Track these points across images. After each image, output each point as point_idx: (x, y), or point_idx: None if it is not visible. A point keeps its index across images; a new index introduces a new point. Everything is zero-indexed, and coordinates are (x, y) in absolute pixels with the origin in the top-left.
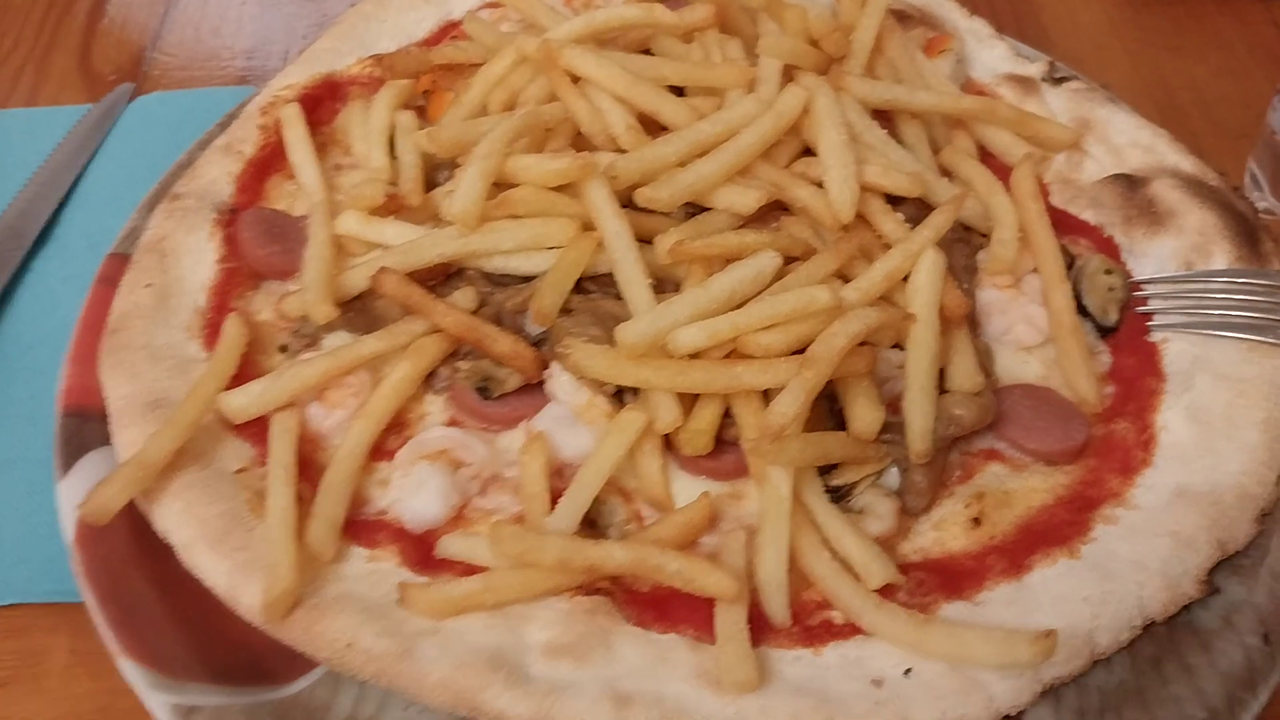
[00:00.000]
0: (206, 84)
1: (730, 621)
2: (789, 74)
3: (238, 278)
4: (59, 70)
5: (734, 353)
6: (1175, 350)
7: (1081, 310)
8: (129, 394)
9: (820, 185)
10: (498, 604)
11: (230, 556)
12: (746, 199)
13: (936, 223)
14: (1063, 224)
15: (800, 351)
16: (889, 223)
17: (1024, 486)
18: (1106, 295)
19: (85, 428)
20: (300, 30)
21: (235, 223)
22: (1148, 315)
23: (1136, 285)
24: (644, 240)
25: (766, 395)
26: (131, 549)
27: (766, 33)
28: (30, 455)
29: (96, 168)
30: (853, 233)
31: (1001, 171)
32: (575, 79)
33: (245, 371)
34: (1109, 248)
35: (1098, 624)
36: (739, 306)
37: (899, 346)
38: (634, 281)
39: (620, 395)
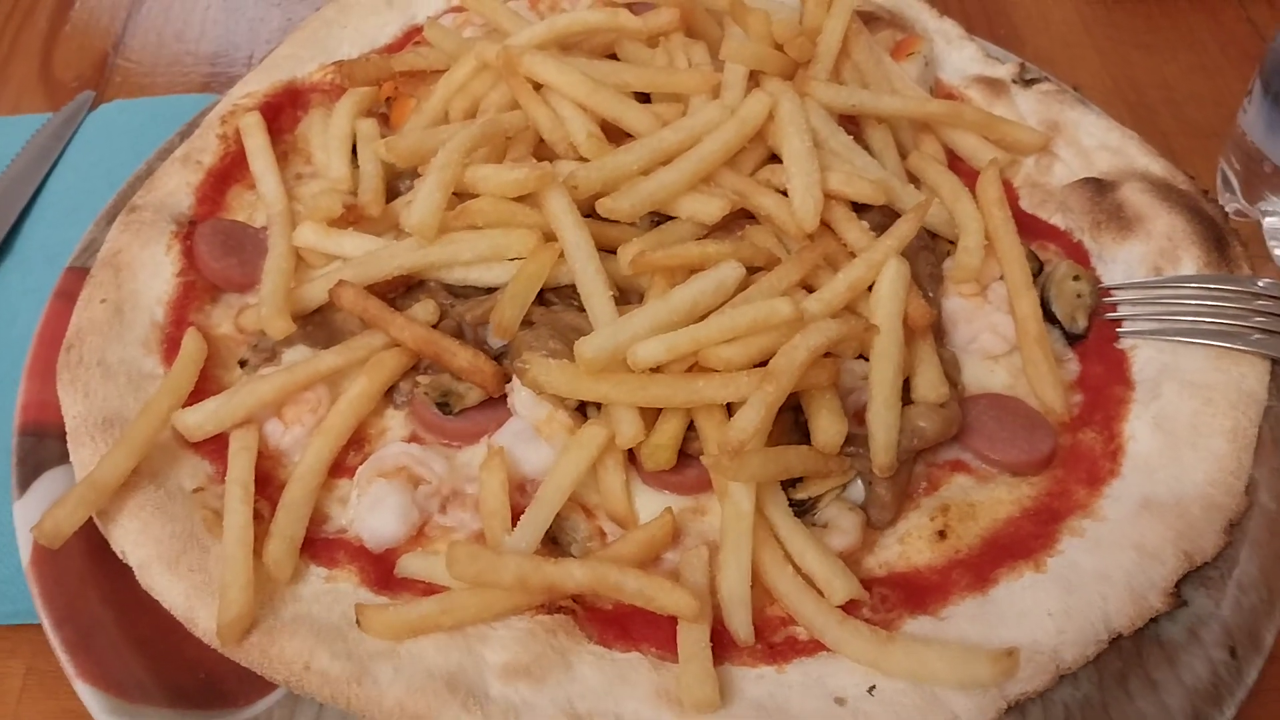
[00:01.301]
0: (170, 90)
1: (692, 640)
2: (755, 79)
3: (196, 291)
4: (19, 77)
5: (695, 366)
6: (1144, 357)
7: (1049, 317)
8: (83, 412)
9: (785, 193)
10: (456, 625)
11: (186, 577)
12: (710, 208)
13: (900, 231)
14: (1031, 229)
15: (763, 364)
16: (853, 231)
17: (990, 498)
18: (1075, 302)
19: (42, 445)
20: (264, 35)
21: (193, 235)
22: (1116, 322)
23: (1105, 291)
24: (607, 250)
25: (730, 408)
26: (89, 569)
27: (731, 37)
28: None
29: (57, 178)
30: (817, 242)
31: (970, 176)
32: (537, 86)
33: (204, 387)
34: (1078, 253)
35: (1063, 639)
36: (701, 318)
37: (864, 357)
38: (595, 293)
39: (583, 409)
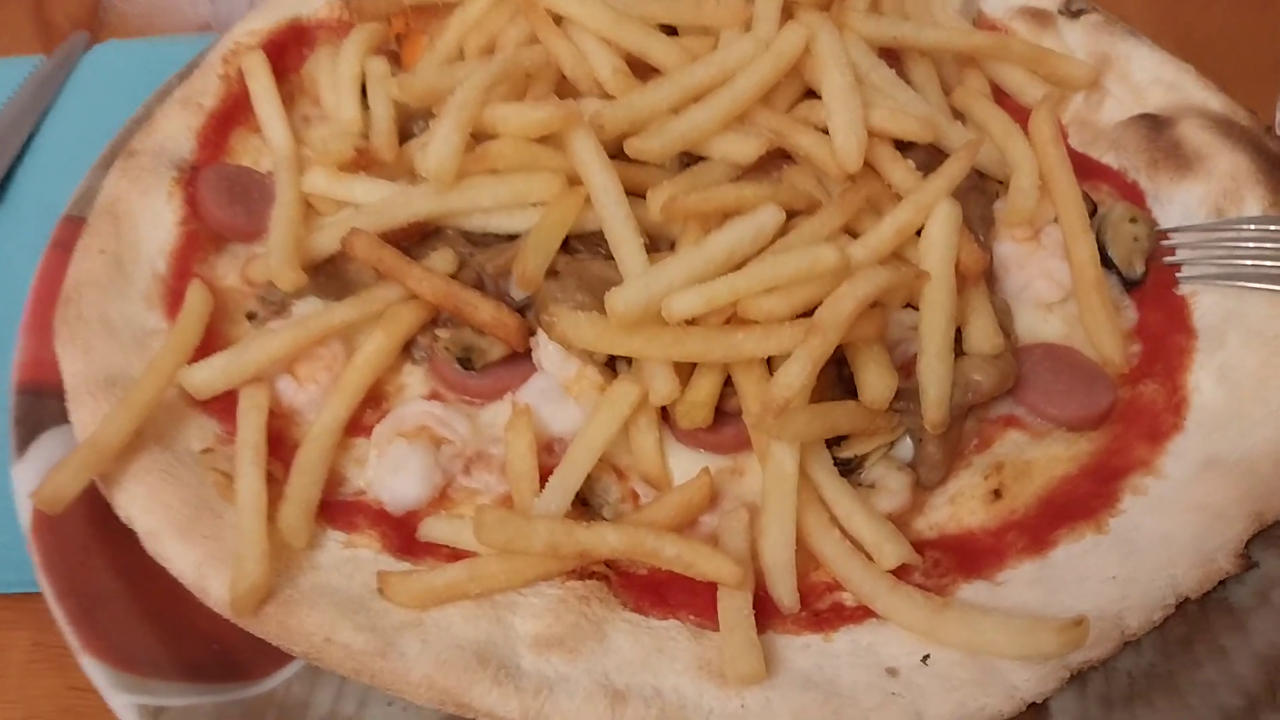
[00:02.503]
0: (168, 31)
1: (734, 609)
2: (788, 10)
3: (199, 241)
4: (10, 19)
5: (733, 318)
6: (1205, 304)
7: (1105, 262)
8: (83, 370)
9: (824, 131)
10: (484, 592)
11: (199, 545)
12: (745, 148)
13: (951, 171)
14: (1082, 168)
15: (805, 315)
16: (898, 171)
17: (1045, 455)
18: (1131, 246)
19: (41, 404)
20: None
21: (196, 181)
22: (1175, 266)
23: (1163, 234)
24: (634, 194)
25: (769, 362)
26: (92, 535)
27: None
28: None
29: (51, 124)
30: (860, 183)
31: (1016, 112)
32: (557, 19)
33: (210, 342)
34: (1133, 194)
35: (1127, 604)
36: (738, 267)
37: (912, 306)
38: (625, 241)
39: (612, 364)
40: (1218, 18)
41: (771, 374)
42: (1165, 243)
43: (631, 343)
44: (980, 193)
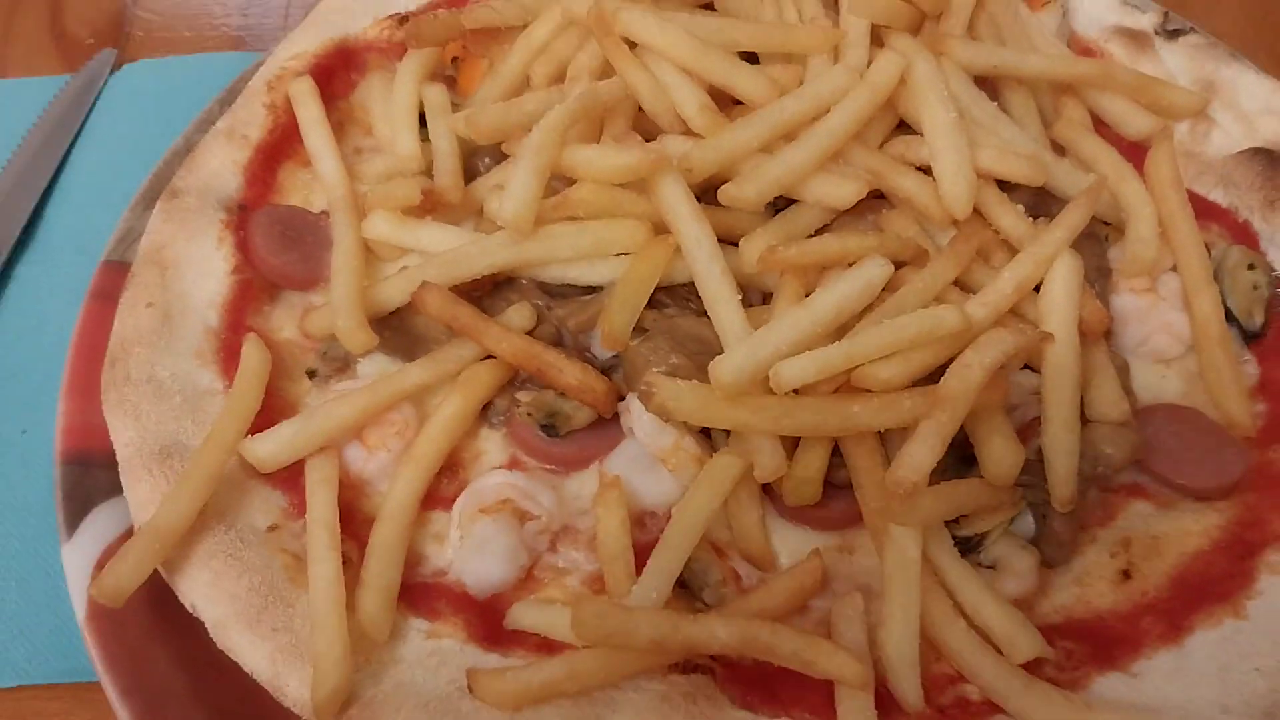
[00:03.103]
0: (199, 46)
1: (855, 710)
2: (877, 34)
3: (252, 290)
4: (28, 33)
5: (844, 385)
6: None
7: (1225, 314)
8: (136, 439)
9: (924, 170)
10: (582, 690)
11: (270, 639)
12: (844, 191)
13: (1070, 221)
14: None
15: (921, 382)
16: (1008, 216)
17: (1175, 529)
18: (1251, 295)
19: (89, 475)
20: None
21: (246, 224)
22: None
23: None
24: (724, 240)
25: (883, 432)
26: (153, 623)
27: None
28: (25, 505)
29: (80, 153)
30: (969, 231)
31: (1116, 143)
32: (631, 44)
33: (268, 402)
34: (1244, 234)
35: (1275, 699)
36: (846, 326)
37: (1029, 367)
38: (722, 299)
39: (708, 433)
40: None
41: (884, 443)
42: None
43: (738, 415)
44: (1093, 239)
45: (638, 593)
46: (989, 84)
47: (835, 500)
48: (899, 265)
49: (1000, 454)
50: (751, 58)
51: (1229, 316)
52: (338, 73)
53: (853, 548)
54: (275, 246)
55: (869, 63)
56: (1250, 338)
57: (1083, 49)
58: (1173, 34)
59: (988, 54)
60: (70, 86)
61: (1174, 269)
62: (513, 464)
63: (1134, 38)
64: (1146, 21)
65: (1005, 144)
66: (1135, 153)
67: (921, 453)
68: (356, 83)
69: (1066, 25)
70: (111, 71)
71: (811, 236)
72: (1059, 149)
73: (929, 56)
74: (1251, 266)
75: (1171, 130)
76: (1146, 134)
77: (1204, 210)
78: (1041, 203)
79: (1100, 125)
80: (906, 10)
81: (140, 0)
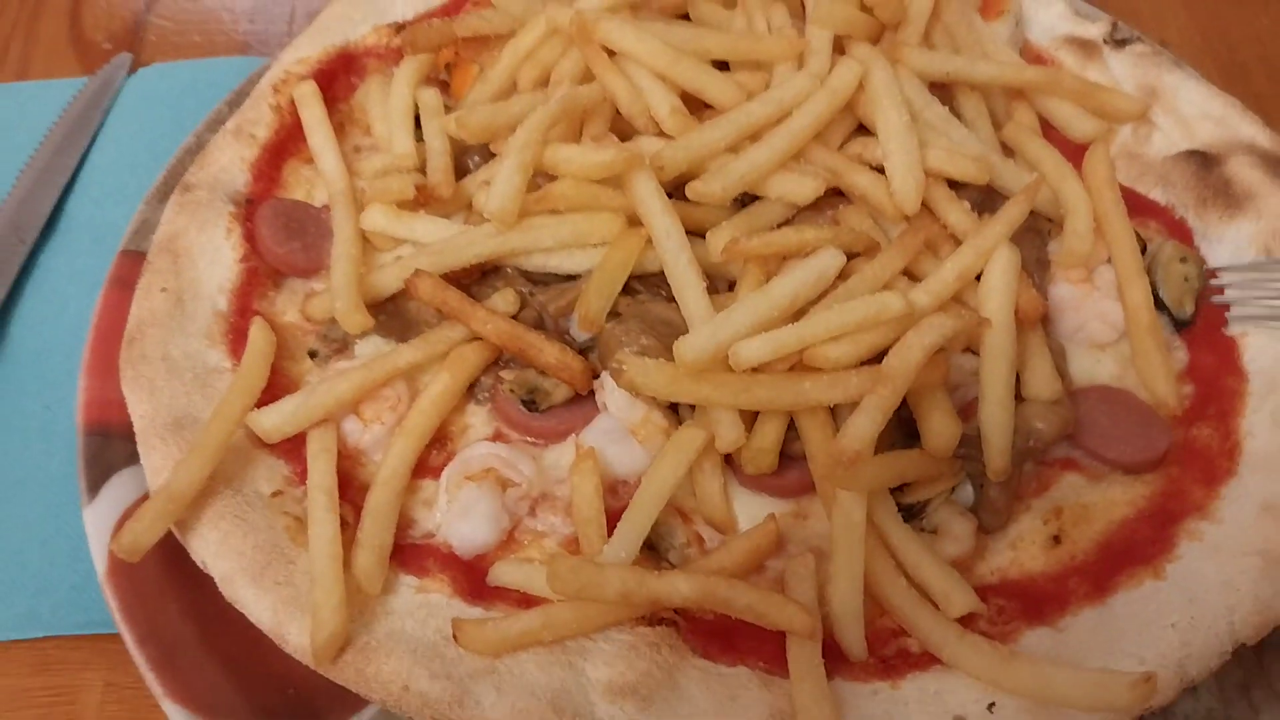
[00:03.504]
0: (209, 50)
1: (804, 658)
2: (839, 44)
3: (259, 277)
4: (48, 38)
5: (798, 364)
6: (1256, 345)
7: (1155, 303)
8: (150, 412)
9: (879, 169)
10: (556, 639)
11: (274, 591)
12: (803, 189)
13: (1009, 216)
14: (1131, 204)
15: (870, 361)
16: (954, 212)
17: (1103, 499)
18: (1182, 286)
19: (109, 446)
20: None
21: (253, 216)
22: (1224, 307)
23: (1211, 273)
24: (693, 233)
25: (833, 408)
26: (167, 579)
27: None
28: (46, 473)
29: (98, 150)
30: (917, 225)
31: (1063, 145)
32: (611, 51)
33: (272, 380)
34: (1180, 231)
35: (1188, 652)
36: (801, 310)
37: (970, 350)
38: (688, 285)
39: (675, 407)
40: (1261, 38)
41: (835, 417)
42: (1214, 282)
43: (700, 390)
44: (1034, 233)
45: (608, 552)
46: (945, 89)
47: (790, 470)
48: (852, 256)
49: (939, 428)
50: (724, 65)
51: (1161, 306)
52: (339, 76)
53: (806, 514)
54: (280, 237)
55: (830, 69)
56: (1181, 326)
57: (1034, 56)
58: (1120, 43)
59: (941, 61)
60: (88, 88)
61: (1109, 262)
62: (497, 436)
63: (1083, 46)
64: (1096, 31)
65: (954, 145)
66: (1081, 154)
67: (864, 424)
68: (356, 86)
69: (1019, 34)
70: (127, 75)
71: (774, 230)
72: (1009, 150)
73: (885, 64)
74: (1184, 260)
75: (1112, 134)
76: (1092, 136)
77: (1143, 208)
78: (989, 200)
79: (1049, 128)
80: (866, 20)
81: (154, 7)
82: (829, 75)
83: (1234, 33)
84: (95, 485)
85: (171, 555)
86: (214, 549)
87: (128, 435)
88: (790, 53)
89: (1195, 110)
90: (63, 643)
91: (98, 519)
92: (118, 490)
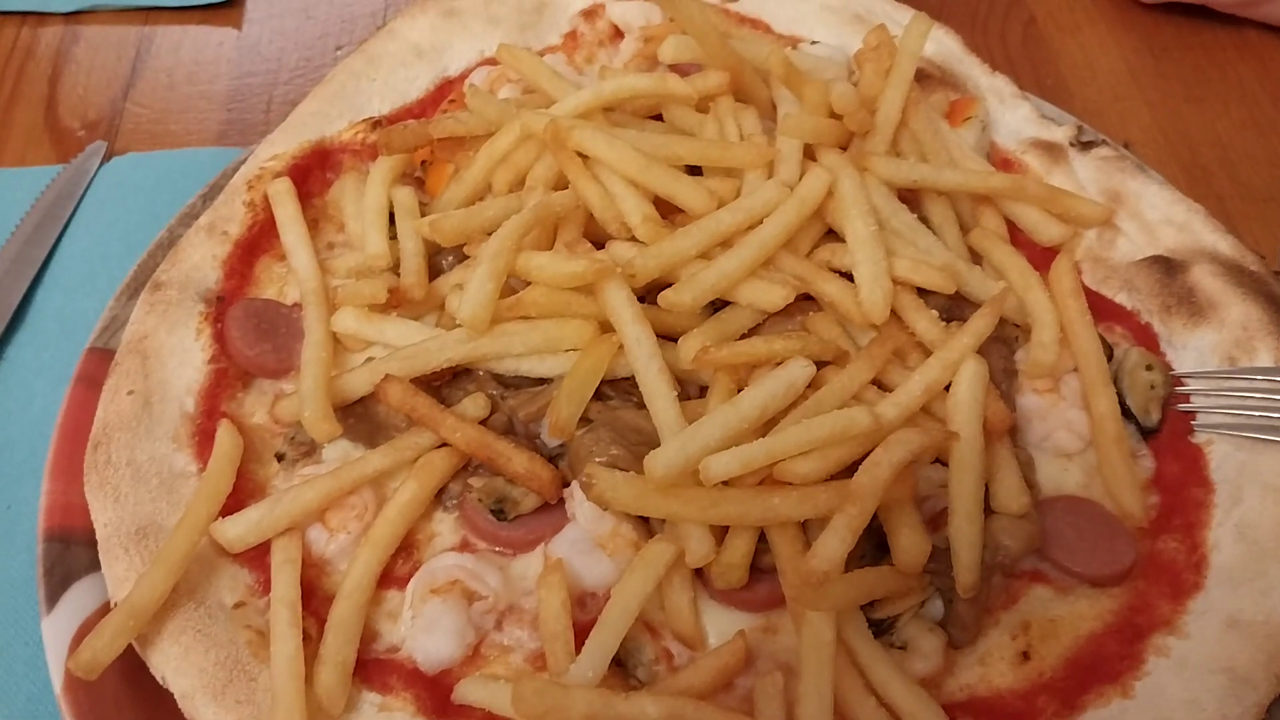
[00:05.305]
0: (185, 138)
1: None
2: (809, 150)
3: (227, 378)
4: (23, 124)
5: (768, 478)
6: (1220, 454)
7: (1122, 410)
8: (115, 520)
9: (847, 276)
10: None
11: (234, 710)
12: (772, 296)
13: (976, 328)
14: (1097, 308)
15: (839, 475)
16: (922, 320)
17: (1071, 613)
18: (1148, 394)
19: (70, 553)
20: (282, 77)
21: (223, 316)
22: (1190, 414)
23: (1177, 380)
24: (664, 337)
25: (804, 522)
26: (125, 694)
27: (786, 111)
28: (6, 576)
29: (70, 240)
30: (886, 334)
31: (1030, 248)
32: (585, 157)
33: (238, 484)
34: (1146, 336)
35: None
36: (772, 421)
37: (939, 461)
38: (659, 395)
39: (646, 519)
40: (1221, 139)
41: (805, 529)
42: (1180, 389)
43: (669, 505)
44: (1001, 342)
45: (575, 670)
46: (914, 194)
47: (760, 583)
48: (822, 365)
49: (909, 544)
50: (696, 169)
51: (1127, 413)
52: (313, 172)
53: (776, 628)
54: (250, 339)
55: (800, 177)
56: (1147, 433)
57: (1001, 160)
58: (1085, 146)
59: (908, 169)
60: (61, 177)
61: (1076, 371)
62: (464, 545)
63: (1049, 150)
64: (1061, 134)
65: (921, 253)
66: (1048, 257)
67: (833, 544)
68: (331, 181)
69: (986, 138)
70: (101, 163)
71: (744, 336)
72: (976, 255)
73: (853, 173)
74: (1149, 367)
75: (1077, 239)
76: (1058, 240)
77: (1109, 312)
78: (957, 306)
79: (1016, 232)
80: (835, 127)
81: (131, 94)
82: (798, 184)
83: (1195, 134)
84: (54, 596)
85: (130, 668)
86: (174, 664)
87: (90, 541)
88: (760, 160)
89: (1159, 215)
90: None
91: (56, 632)
92: (77, 600)
